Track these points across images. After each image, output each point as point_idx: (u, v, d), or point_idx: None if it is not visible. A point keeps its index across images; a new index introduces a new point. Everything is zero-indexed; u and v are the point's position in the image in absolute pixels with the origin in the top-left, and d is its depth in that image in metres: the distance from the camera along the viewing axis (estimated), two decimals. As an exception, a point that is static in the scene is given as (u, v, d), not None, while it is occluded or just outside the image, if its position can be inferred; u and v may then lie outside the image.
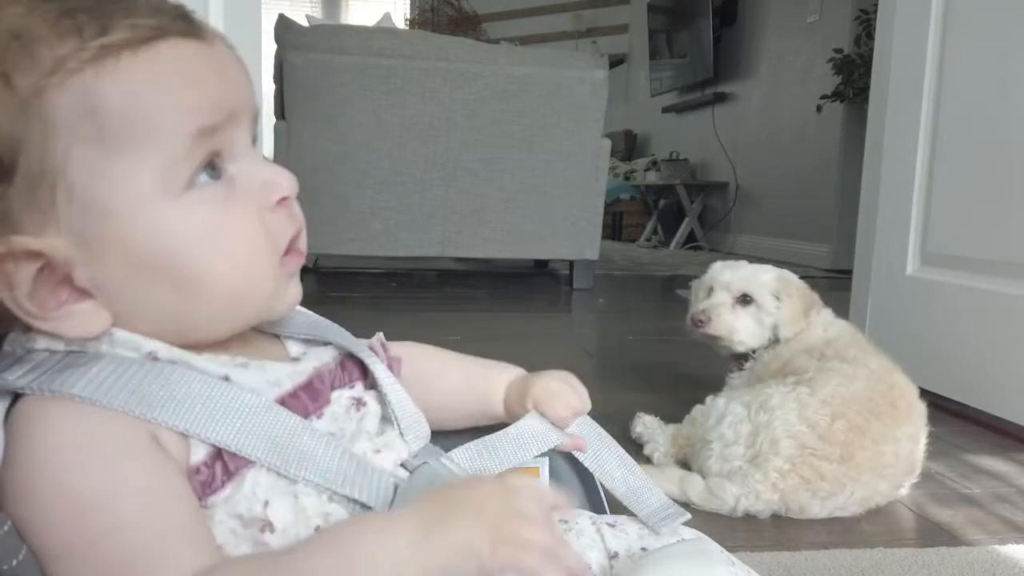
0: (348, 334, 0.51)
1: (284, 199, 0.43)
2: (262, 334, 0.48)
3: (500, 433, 0.54)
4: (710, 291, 1.17)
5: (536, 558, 0.35)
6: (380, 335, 0.54)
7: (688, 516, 0.55)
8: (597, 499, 0.59)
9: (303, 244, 0.46)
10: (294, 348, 0.48)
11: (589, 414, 0.59)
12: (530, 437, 0.55)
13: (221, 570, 0.35)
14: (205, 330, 0.42)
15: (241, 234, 0.41)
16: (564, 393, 0.56)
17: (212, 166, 0.40)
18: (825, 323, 1.13)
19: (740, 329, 1.13)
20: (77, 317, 0.39)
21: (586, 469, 0.58)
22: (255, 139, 0.45)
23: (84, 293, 0.39)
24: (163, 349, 0.40)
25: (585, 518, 0.53)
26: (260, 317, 0.45)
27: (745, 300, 1.13)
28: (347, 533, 0.37)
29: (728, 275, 1.15)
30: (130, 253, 0.38)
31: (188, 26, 0.40)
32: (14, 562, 0.34)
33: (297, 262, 0.45)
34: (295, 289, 0.46)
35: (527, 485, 0.39)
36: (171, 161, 0.38)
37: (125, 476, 0.36)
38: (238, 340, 0.45)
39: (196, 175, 0.39)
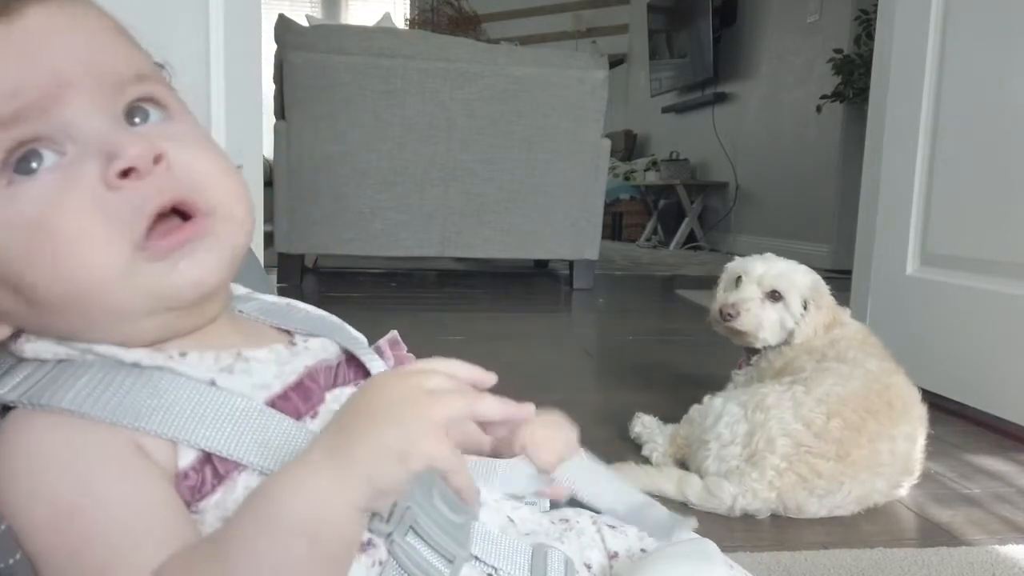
0: (353, 331, 0.50)
1: (129, 171, 0.36)
2: (266, 326, 0.47)
3: (490, 461, 0.51)
4: (737, 281, 1.13)
5: (447, 458, 0.35)
6: (394, 332, 0.52)
7: (695, 523, 0.54)
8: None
9: (199, 206, 0.39)
10: (298, 338, 0.47)
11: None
12: (519, 474, 0.51)
13: (177, 557, 0.34)
14: (90, 336, 0.38)
15: (62, 229, 0.36)
16: (553, 440, 0.51)
17: (30, 157, 0.36)
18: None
19: (766, 325, 1.09)
20: None
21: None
22: (134, 107, 0.39)
23: None
24: (146, 357, 0.39)
25: (586, 518, 0.53)
26: (138, 312, 0.38)
27: (775, 296, 1.09)
28: (264, 493, 0.35)
29: (761, 269, 1.11)
30: None
31: None
32: (11, 561, 0.34)
33: (177, 238, 0.38)
34: (186, 269, 0.38)
35: (429, 366, 0.39)
36: None
37: (104, 484, 0.35)
38: (232, 329, 0.45)
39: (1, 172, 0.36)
